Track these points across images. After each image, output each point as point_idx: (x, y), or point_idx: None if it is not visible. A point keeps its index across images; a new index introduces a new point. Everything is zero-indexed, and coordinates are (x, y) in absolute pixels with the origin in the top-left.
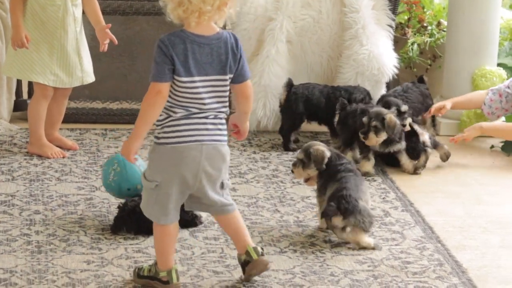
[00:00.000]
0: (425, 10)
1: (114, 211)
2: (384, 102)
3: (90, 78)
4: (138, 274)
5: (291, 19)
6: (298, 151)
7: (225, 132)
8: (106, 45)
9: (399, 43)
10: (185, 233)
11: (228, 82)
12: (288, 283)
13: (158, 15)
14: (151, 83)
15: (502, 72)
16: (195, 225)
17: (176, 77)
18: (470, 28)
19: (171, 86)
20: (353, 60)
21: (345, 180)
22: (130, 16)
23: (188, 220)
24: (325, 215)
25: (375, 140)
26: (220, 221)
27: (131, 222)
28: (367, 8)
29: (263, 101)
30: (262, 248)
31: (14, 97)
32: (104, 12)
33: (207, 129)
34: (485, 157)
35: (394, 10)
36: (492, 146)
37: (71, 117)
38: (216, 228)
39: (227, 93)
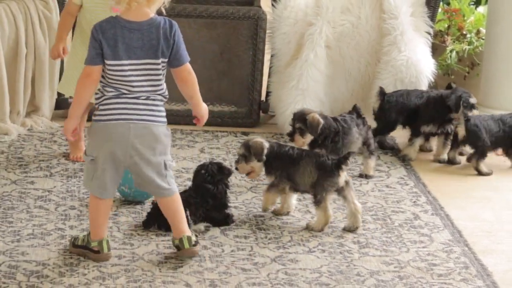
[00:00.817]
0: (465, 18)
1: (148, 208)
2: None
3: None
4: (73, 243)
5: (331, 25)
6: (239, 147)
7: (161, 114)
8: None
9: (438, 50)
10: (216, 231)
11: (160, 66)
12: (314, 282)
13: (199, 18)
14: (85, 66)
15: None
16: (227, 224)
17: (105, 61)
18: (508, 37)
19: (103, 68)
20: (391, 66)
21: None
22: (172, 18)
23: (220, 219)
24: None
25: (302, 141)
26: (160, 203)
27: (163, 219)
28: (406, 15)
29: (300, 104)
30: (197, 236)
31: (56, 95)
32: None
33: (137, 109)
34: None
35: (432, 18)
36: None
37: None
38: (247, 227)
39: (161, 77)
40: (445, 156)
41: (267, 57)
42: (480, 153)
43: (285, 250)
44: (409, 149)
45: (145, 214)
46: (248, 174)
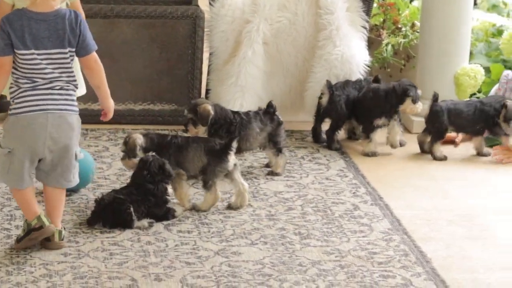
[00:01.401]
0: (400, 12)
1: (92, 206)
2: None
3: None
4: (17, 240)
5: (268, 22)
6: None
7: (74, 103)
8: None
9: (374, 44)
10: (160, 226)
11: (68, 55)
12: (257, 273)
13: (138, 18)
14: None
15: (481, 69)
16: (168, 218)
17: (16, 51)
18: (442, 29)
19: (15, 59)
20: (324, 60)
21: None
22: (111, 19)
23: (162, 215)
24: None
25: (195, 131)
26: (46, 191)
27: (107, 216)
28: (342, 10)
29: (240, 101)
30: (64, 229)
31: None
32: (86, 16)
33: (53, 99)
34: (454, 151)
35: (368, 12)
36: None
37: None
38: (190, 222)
39: (70, 65)
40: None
41: (206, 55)
42: (436, 136)
43: (228, 243)
44: (370, 146)
45: (88, 212)
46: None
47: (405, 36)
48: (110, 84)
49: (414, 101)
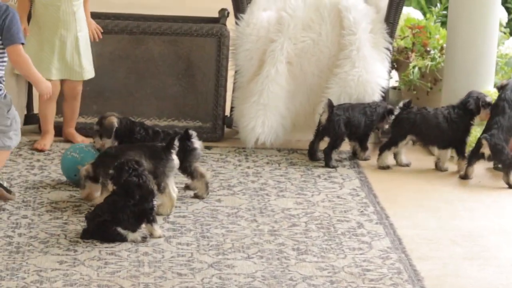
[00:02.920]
0: (430, 35)
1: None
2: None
3: (90, 74)
4: None
5: (292, 41)
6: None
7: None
8: (95, 33)
9: (402, 66)
10: (160, 238)
11: None
12: (246, 286)
13: (164, 35)
14: None
15: None
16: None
17: None
18: (467, 51)
19: None
20: (339, 79)
21: None
22: (137, 35)
23: (150, 208)
24: None
25: (101, 143)
26: None
27: (98, 236)
28: (364, 31)
29: (262, 119)
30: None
31: (25, 111)
32: (112, 32)
33: None
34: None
35: (391, 34)
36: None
37: (80, 132)
38: (191, 235)
39: (4, 55)
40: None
41: (231, 73)
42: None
43: (224, 256)
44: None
45: None
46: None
47: (432, 59)
48: (135, 101)
49: None
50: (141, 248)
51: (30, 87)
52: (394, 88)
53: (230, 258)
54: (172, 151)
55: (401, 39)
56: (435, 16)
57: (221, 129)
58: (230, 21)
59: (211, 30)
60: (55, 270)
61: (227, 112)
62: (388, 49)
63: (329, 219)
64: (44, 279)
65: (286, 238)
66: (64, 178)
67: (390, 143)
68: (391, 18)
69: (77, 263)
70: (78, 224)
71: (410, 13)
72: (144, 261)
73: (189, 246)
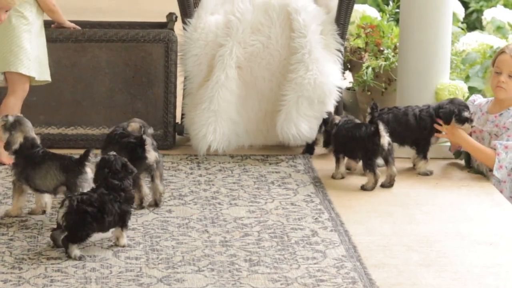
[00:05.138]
0: (383, 35)
1: (46, 232)
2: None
3: (34, 72)
4: None
5: (241, 45)
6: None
7: None
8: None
9: (355, 67)
10: (108, 253)
11: None
12: None
13: (110, 42)
14: None
15: (464, 85)
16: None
17: None
18: (420, 49)
19: None
20: (295, 84)
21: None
22: (82, 43)
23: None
24: None
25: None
26: None
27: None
28: (315, 33)
29: (213, 125)
30: None
31: None
32: (57, 40)
33: None
34: (429, 179)
35: (342, 35)
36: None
37: None
38: (140, 249)
39: None
40: None
41: (180, 79)
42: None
43: (174, 270)
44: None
45: (40, 238)
46: None
47: (386, 59)
48: (83, 109)
49: None
50: (88, 264)
51: None
52: (348, 89)
53: (180, 271)
54: (86, 163)
55: (353, 40)
56: (388, 15)
57: (172, 136)
58: (178, 26)
59: (158, 35)
60: None
61: (178, 119)
62: (339, 50)
63: (282, 227)
64: None
65: (238, 249)
66: (9, 193)
67: None
68: (342, 19)
69: (22, 282)
70: (24, 240)
71: (365, 10)
72: (91, 277)
73: (138, 260)
